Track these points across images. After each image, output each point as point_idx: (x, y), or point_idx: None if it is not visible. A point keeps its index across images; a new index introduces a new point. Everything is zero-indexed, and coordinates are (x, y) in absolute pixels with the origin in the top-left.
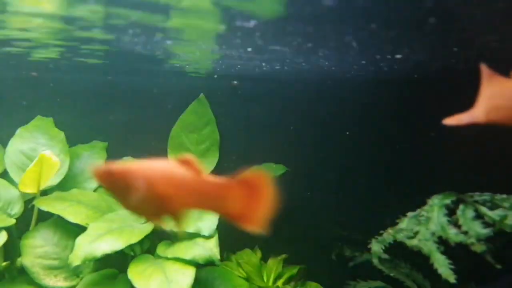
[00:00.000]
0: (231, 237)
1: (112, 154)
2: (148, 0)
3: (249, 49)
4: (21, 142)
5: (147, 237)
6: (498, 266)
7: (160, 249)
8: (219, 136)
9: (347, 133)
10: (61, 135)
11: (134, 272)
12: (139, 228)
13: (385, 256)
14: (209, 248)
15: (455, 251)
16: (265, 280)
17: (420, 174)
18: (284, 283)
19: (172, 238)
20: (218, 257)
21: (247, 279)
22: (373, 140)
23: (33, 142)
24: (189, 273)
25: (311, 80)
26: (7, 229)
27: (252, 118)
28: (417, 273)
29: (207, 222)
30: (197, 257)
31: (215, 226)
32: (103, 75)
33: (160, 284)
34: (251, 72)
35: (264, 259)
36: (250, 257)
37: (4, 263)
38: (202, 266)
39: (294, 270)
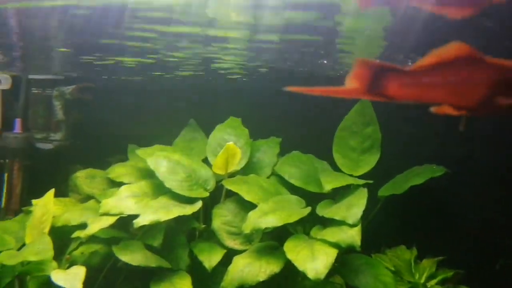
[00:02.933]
0: (391, 234)
1: (284, 148)
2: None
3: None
4: (218, 136)
5: (307, 220)
6: None
7: (314, 232)
8: (381, 136)
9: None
10: (246, 131)
11: (289, 246)
12: (297, 211)
13: None
14: (351, 235)
15: None
16: (417, 277)
17: None
18: (437, 284)
19: (325, 224)
20: (359, 243)
21: (395, 272)
22: None
23: (225, 136)
24: (331, 254)
25: None
26: (203, 199)
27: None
28: None
29: (353, 212)
30: (340, 241)
31: (359, 217)
32: (275, 82)
33: (305, 258)
34: None
35: (421, 259)
36: (404, 253)
37: (203, 226)
38: (347, 252)
39: (449, 273)
